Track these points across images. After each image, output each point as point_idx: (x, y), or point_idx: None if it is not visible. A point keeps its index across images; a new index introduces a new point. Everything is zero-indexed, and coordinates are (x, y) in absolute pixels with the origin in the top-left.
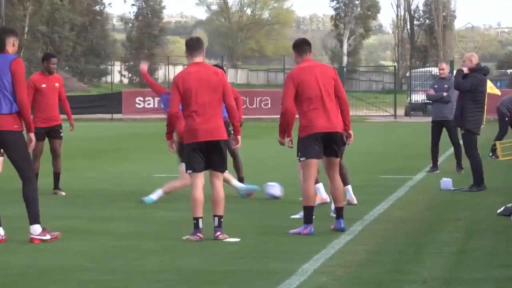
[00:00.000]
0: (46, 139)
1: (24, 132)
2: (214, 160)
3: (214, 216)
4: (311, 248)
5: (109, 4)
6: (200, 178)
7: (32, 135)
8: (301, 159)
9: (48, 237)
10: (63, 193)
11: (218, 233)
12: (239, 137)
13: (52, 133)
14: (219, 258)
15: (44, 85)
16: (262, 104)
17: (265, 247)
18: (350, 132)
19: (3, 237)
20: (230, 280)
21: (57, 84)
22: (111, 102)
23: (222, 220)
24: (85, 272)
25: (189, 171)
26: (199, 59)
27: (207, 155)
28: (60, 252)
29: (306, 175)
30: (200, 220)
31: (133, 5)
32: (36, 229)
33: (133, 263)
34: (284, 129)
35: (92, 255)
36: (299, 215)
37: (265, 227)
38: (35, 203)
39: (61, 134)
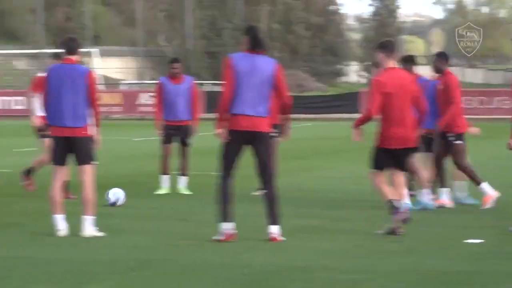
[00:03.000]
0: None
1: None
2: (401, 163)
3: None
4: None
5: (342, 4)
6: (384, 177)
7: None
8: None
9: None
10: None
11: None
12: None
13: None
14: (462, 259)
15: None
16: (501, 104)
17: (510, 248)
18: None
19: (232, 232)
20: (475, 282)
21: None
22: (348, 102)
23: None
24: (329, 271)
25: (375, 170)
26: (393, 63)
27: (395, 159)
28: (302, 251)
29: None
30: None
31: (370, 5)
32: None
33: (376, 263)
34: None
35: (334, 254)
36: None
37: (505, 227)
38: (275, 202)
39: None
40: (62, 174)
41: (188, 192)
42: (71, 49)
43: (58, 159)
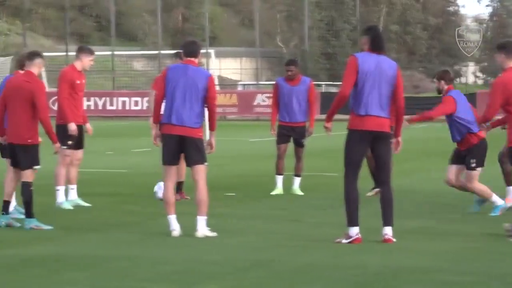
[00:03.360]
0: None
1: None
2: None
3: None
4: None
5: (462, 6)
6: None
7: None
8: None
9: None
10: None
11: None
12: None
13: None
14: None
15: None
16: None
17: None
18: None
19: (358, 236)
20: None
21: None
22: None
23: None
24: (441, 273)
25: None
26: None
27: None
28: (414, 252)
29: None
30: None
31: (488, 5)
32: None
33: (491, 265)
34: None
35: (446, 256)
36: None
37: None
38: (391, 204)
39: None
40: (174, 174)
41: (301, 193)
42: (193, 52)
43: (170, 158)
